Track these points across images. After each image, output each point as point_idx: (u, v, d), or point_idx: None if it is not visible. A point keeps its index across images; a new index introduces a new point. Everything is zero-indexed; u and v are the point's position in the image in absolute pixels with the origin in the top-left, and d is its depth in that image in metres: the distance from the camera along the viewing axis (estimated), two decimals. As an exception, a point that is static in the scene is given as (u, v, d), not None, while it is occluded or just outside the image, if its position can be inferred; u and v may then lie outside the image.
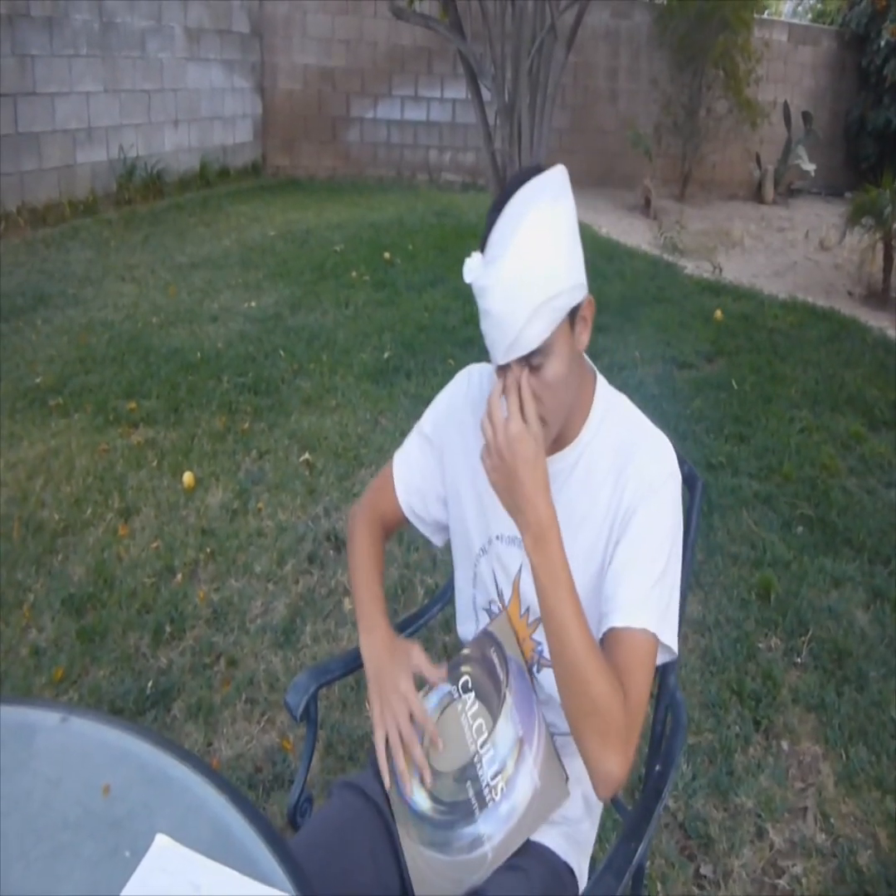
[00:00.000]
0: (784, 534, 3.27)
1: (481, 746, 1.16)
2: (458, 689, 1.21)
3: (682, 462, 1.27)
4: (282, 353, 4.68)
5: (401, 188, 10.32)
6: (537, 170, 1.14)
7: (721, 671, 2.52)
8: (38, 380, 4.17)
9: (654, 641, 1.12)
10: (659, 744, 1.26)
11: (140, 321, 5.06)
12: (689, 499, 1.25)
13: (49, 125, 7.12)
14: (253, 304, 5.50)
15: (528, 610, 1.26)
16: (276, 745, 2.20)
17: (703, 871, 1.92)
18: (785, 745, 2.29)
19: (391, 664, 1.24)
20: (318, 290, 5.86)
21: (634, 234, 8.55)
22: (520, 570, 1.27)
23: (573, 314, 1.14)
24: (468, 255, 1.12)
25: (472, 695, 1.20)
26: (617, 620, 1.11)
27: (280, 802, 1.99)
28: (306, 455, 3.62)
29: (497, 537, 1.29)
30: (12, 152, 6.76)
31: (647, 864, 1.86)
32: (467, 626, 1.39)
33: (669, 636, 1.14)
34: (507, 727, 1.16)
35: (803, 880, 1.91)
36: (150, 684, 2.35)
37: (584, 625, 1.07)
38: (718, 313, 5.83)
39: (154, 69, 8.40)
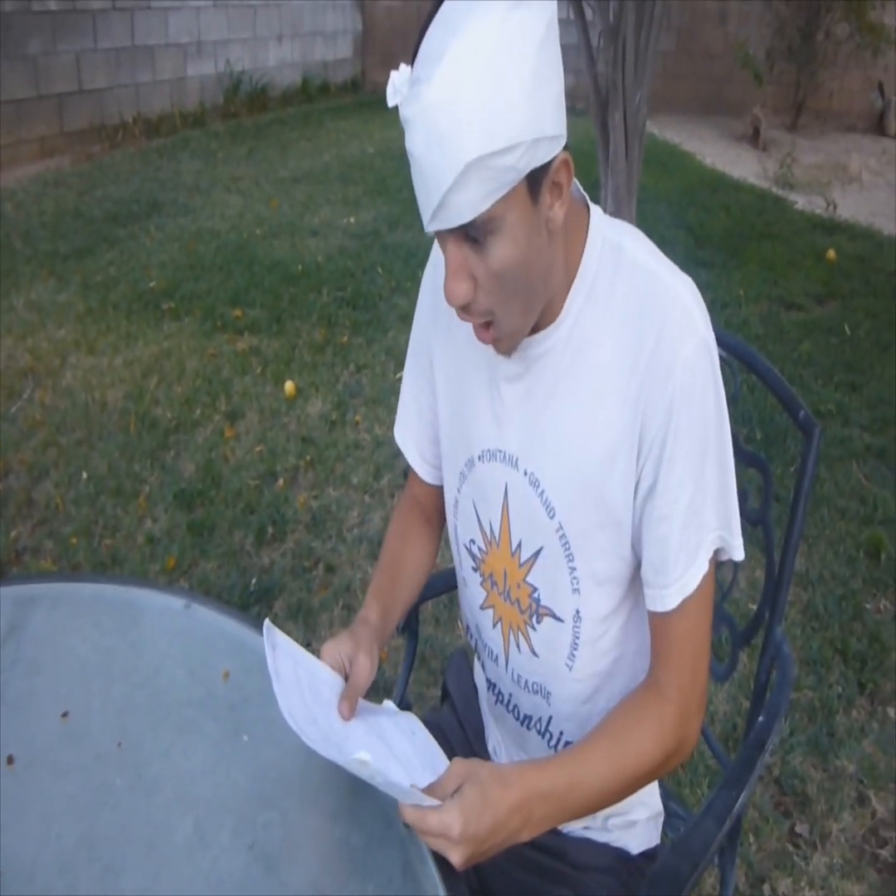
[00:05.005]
0: (898, 491, 3.05)
1: None
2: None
3: (797, 407, 1.15)
4: (379, 269, 4.73)
5: (501, 109, 10.12)
6: None
7: (824, 628, 2.41)
8: (152, 284, 4.35)
9: (708, 589, 0.91)
10: (762, 693, 1.21)
11: (245, 232, 5.18)
12: (805, 447, 1.15)
13: (162, 39, 7.25)
14: (352, 219, 5.55)
15: (520, 545, 0.98)
16: (372, 652, 2.28)
17: (798, 829, 1.86)
18: (892, 712, 2.17)
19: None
20: (415, 208, 5.75)
21: (741, 165, 8.23)
22: (505, 494, 0.98)
23: (536, 180, 0.78)
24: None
25: None
26: (672, 600, 0.90)
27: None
28: (402, 372, 3.69)
29: (479, 457, 1.00)
30: (129, 65, 6.93)
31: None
32: (458, 567, 1.12)
33: (737, 545, 0.93)
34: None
35: (907, 854, 1.81)
36: (253, 581, 2.46)
37: (600, 789, 0.88)
38: (831, 253, 5.57)
39: (260, -18, 8.43)
